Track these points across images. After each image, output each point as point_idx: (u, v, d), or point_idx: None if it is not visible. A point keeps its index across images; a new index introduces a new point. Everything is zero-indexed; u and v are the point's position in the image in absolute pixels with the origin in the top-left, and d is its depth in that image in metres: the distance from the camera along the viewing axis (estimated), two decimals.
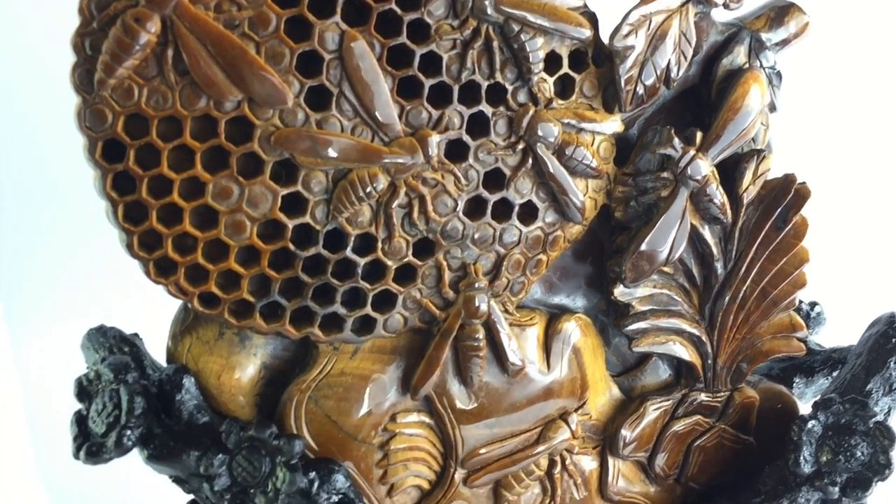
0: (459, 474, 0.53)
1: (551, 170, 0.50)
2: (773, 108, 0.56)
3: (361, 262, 0.48)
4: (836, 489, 0.55)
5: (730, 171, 0.55)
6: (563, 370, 0.54)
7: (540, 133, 0.49)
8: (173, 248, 0.45)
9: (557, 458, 0.55)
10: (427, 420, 0.52)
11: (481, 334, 0.51)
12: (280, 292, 0.47)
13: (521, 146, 0.49)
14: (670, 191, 0.52)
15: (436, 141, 0.47)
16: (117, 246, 0.45)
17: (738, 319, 0.57)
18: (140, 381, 0.45)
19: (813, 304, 0.68)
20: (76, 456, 0.44)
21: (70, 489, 0.88)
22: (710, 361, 0.57)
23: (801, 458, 0.54)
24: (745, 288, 0.57)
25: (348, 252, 0.47)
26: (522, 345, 0.53)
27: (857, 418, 0.55)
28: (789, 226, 0.56)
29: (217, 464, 0.45)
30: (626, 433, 0.56)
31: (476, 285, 0.50)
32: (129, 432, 0.44)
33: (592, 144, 0.51)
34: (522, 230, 0.51)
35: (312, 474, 0.47)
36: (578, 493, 0.56)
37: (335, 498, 0.47)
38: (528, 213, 0.51)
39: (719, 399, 0.58)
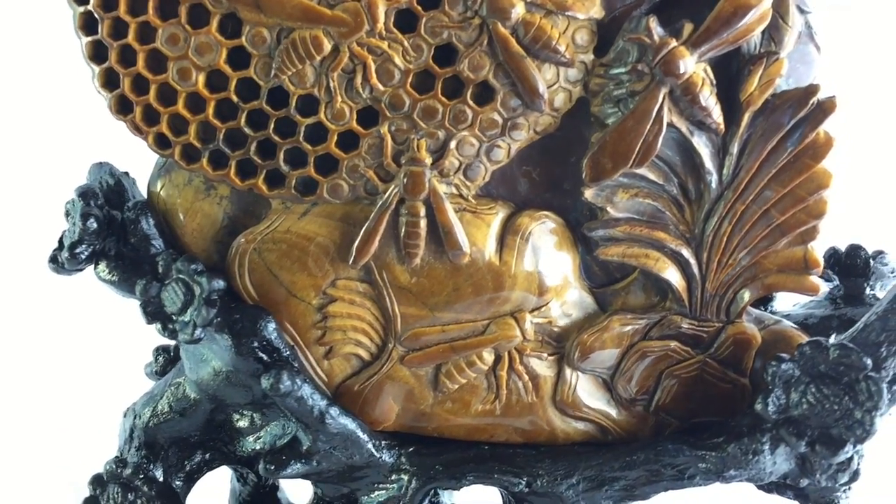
0: (398, 351, 0.54)
1: (508, 52, 0.49)
2: (804, 7, 0.50)
3: (304, 122, 0.50)
4: (803, 443, 0.49)
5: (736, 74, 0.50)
6: (516, 265, 0.53)
7: (497, 10, 0.48)
8: (130, 87, 0.50)
9: (505, 356, 0.54)
10: (369, 291, 0.54)
11: (421, 212, 0.51)
12: (225, 142, 0.50)
13: (476, 21, 0.49)
14: (644, 85, 0.49)
15: (383, 9, 0.48)
16: None
17: (733, 243, 0.52)
18: (100, 206, 0.51)
19: (878, 253, 0.59)
20: (48, 262, 0.52)
21: None
22: (696, 285, 0.53)
23: (769, 400, 0.49)
24: (743, 209, 0.52)
25: (290, 111, 0.50)
26: (474, 232, 0.52)
27: (845, 368, 0.48)
28: (804, 143, 0.50)
29: (151, 290, 0.51)
30: (585, 342, 0.54)
31: (417, 161, 0.50)
32: (81, 247, 0.51)
33: (567, 30, 0.49)
34: (476, 111, 0.50)
35: (238, 315, 0.51)
36: (527, 396, 0.55)
37: (256, 343, 0.51)
38: (484, 94, 0.50)
39: (706, 329, 0.54)
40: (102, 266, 0.52)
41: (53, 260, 0.52)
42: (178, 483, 0.59)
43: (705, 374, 0.55)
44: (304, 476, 0.55)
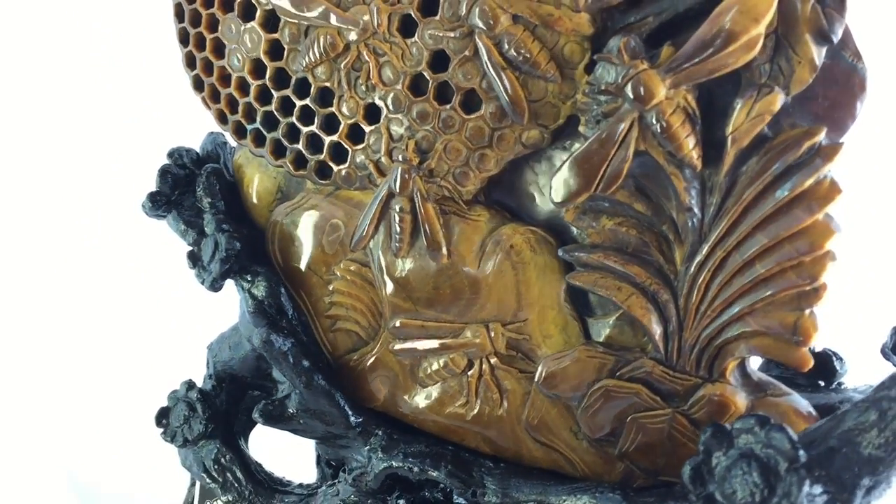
0: (387, 336, 0.57)
1: (490, 62, 0.49)
2: (825, 35, 0.43)
3: (320, 112, 0.55)
4: None
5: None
6: (493, 275, 0.53)
7: (482, 20, 0.48)
8: (202, 68, 0.59)
9: (476, 364, 0.54)
10: (369, 276, 0.57)
11: (407, 208, 0.53)
12: (263, 123, 0.57)
13: (465, 30, 0.49)
14: (614, 108, 0.46)
15: (387, 14, 0.51)
16: None
17: (712, 292, 0.47)
18: (181, 165, 0.62)
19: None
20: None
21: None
22: (673, 332, 0.49)
23: (691, 469, 0.44)
24: (724, 256, 0.47)
25: (308, 100, 0.55)
26: (458, 236, 0.53)
27: (774, 453, 0.41)
28: (796, 192, 0.43)
29: (195, 241, 0.60)
30: (546, 366, 0.52)
31: (405, 159, 0.52)
32: (158, 198, 0.61)
33: (555, 45, 0.48)
34: (463, 118, 0.51)
35: (255, 277, 0.59)
36: (496, 409, 0.55)
37: (266, 303, 0.58)
38: (472, 102, 0.51)
39: (681, 381, 0.49)
40: (171, 216, 0.62)
41: (144, 205, 0.64)
42: (236, 415, 0.68)
43: (674, 431, 0.50)
44: (293, 433, 0.61)
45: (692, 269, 0.48)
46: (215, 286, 0.59)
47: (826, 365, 0.55)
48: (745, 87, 0.45)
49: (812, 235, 0.44)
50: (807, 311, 0.46)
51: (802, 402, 0.49)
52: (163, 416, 0.68)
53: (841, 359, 0.56)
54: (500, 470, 0.55)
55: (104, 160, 0.99)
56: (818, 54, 0.44)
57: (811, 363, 0.46)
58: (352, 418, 0.59)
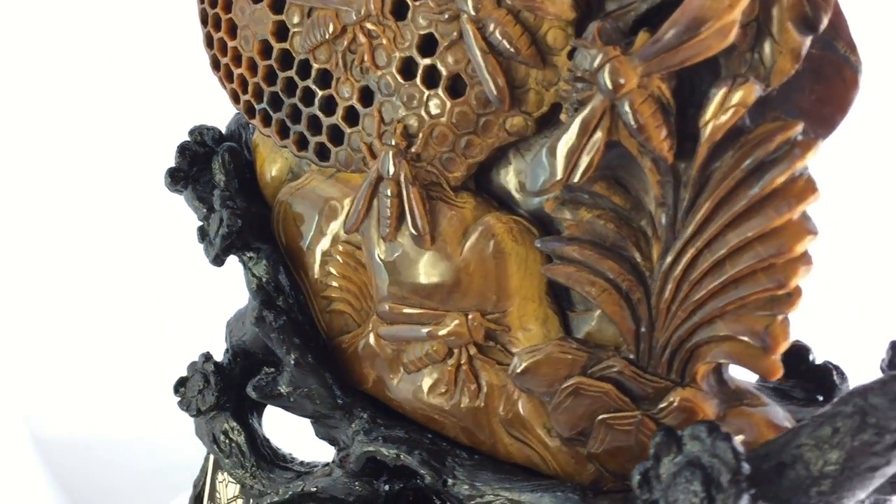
0: (376, 320, 0.57)
1: (473, 46, 0.48)
2: (809, 24, 0.40)
3: (319, 93, 0.56)
4: None
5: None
6: (474, 263, 0.52)
7: (464, 3, 0.48)
8: (218, 48, 0.60)
9: (456, 353, 0.54)
10: (362, 258, 0.57)
11: (393, 192, 0.53)
12: (269, 103, 0.58)
13: (451, 13, 0.49)
14: (588, 96, 0.44)
15: None
16: None
17: (682, 292, 0.45)
18: (200, 143, 0.64)
19: None
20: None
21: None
22: (645, 332, 0.47)
23: (639, 474, 0.42)
24: (695, 254, 0.45)
25: (310, 82, 0.55)
26: (443, 223, 0.53)
27: (718, 462, 0.39)
28: (767, 189, 0.41)
29: (204, 215, 0.61)
30: (519, 359, 0.50)
31: (392, 142, 0.52)
32: (177, 174, 0.63)
33: (539, 30, 0.47)
34: (448, 103, 0.50)
35: (256, 255, 0.60)
36: (474, 400, 0.54)
37: (265, 280, 0.59)
38: (458, 87, 0.50)
39: (652, 383, 0.47)
40: (187, 191, 0.64)
41: (164, 179, 0.66)
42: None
43: (641, 434, 0.48)
44: (285, 409, 0.62)
45: (665, 266, 0.46)
46: (217, 261, 0.61)
47: (825, 379, 0.52)
48: (721, 78, 0.43)
49: (784, 237, 0.42)
50: (779, 317, 0.43)
51: (779, 415, 0.46)
52: (180, 385, 0.71)
53: (842, 373, 0.52)
54: (473, 461, 0.54)
55: (142, 134, 1.03)
56: (802, 44, 0.41)
57: (780, 373, 0.43)
58: (339, 399, 0.59)
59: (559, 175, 0.46)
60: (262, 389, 0.61)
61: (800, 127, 0.41)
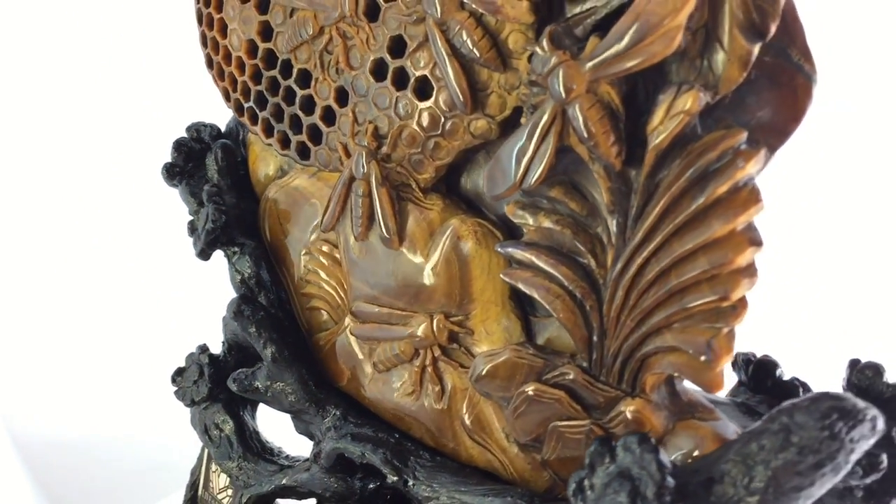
0: (350, 318, 0.57)
1: (437, 48, 0.48)
2: (756, 30, 0.39)
3: (299, 93, 0.56)
4: None
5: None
6: (439, 265, 0.52)
7: (431, 4, 0.48)
8: (212, 47, 0.62)
9: (421, 354, 0.54)
10: (338, 257, 0.58)
11: (364, 192, 0.54)
12: (255, 102, 0.59)
13: (419, 15, 0.49)
14: (542, 100, 0.44)
15: None
16: None
17: (630, 301, 0.44)
18: (196, 140, 0.65)
19: None
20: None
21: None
22: (597, 340, 0.46)
23: (573, 483, 0.41)
24: (642, 263, 0.44)
25: (291, 81, 0.56)
26: (411, 223, 0.53)
27: (643, 474, 0.38)
28: (710, 199, 0.40)
29: (195, 205, 0.63)
30: (478, 363, 0.50)
31: (361, 142, 0.53)
32: (172, 169, 0.65)
33: (501, 33, 0.47)
34: (417, 105, 0.51)
35: (240, 250, 0.61)
36: (438, 402, 0.54)
37: (248, 276, 0.60)
38: (424, 89, 0.50)
39: (603, 392, 0.46)
40: (181, 186, 0.66)
41: (161, 173, 0.68)
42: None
43: (591, 443, 0.47)
44: (264, 403, 0.63)
45: (615, 274, 0.45)
46: (203, 255, 0.63)
47: (792, 395, 0.50)
48: (668, 84, 0.42)
49: (727, 248, 0.41)
50: (723, 330, 0.42)
51: (729, 429, 0.45)
52: (178, 375, 0.73)
53: (809, 390, 0.51)
54: (434, 463, 0.55)
55: (144, 130, 1.04)
56: (749, 51, 0.40)
57: (722, 387, 0.42)
58: (313, 395, 0.60)
59: (512, 179, 0.47)
60: (241, 382, 0.63)
61: (743, 136, 0.40)
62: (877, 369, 0.46)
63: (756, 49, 0.40)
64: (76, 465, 0.92)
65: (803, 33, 0.42)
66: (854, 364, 0.47)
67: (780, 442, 0.37)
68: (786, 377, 0.52)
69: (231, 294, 0.73)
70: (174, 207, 0.66)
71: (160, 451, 0.82)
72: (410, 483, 0.54)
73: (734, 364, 0.54)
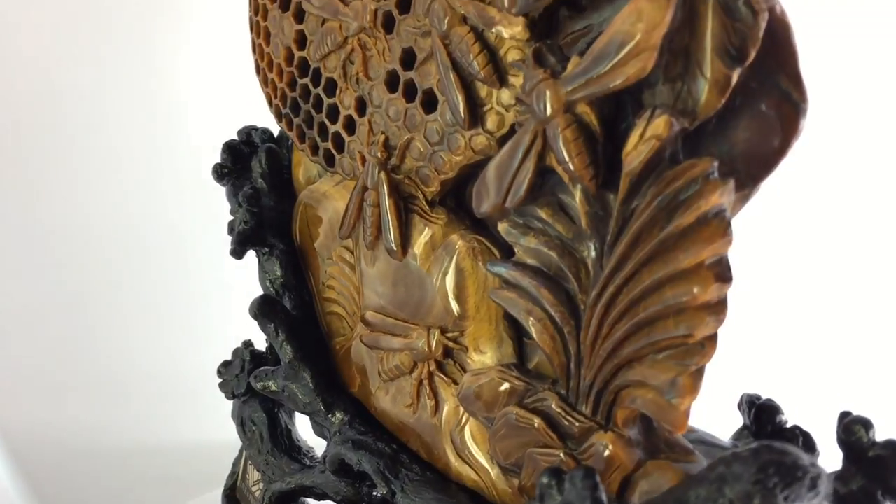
0: (361, 326, 0.57)
1: (439, 62, 0.48)
2: (734, 56, 0.37)
3: (326, 101, 0.57)
4: None
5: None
6: (438, 280, 0.51)
7: (435, 18, 0.48)
8: (259, 53, 0.63)
9: (419, 367, 0.53)
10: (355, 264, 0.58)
11: (375, 201, 0.54)
12: (290, 108, 0.61)
13: (424, 28, 0.49)
14: (526, 119, 0.43)
15: (372, 8, 0.52)
16: None
17: (603, 330, 0.42)
18: (246, 143, 0.67)
19: None
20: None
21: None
22: (573, 367, 0.44)
23: None
24: (614, 291, 0.42)
25: (319, 90, 0.57)
26: (415, 236, 0.53)
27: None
28: (677, 227, 0.38)
29: (236, 207, 0.65)
30: (465, 381, 0.49)
31: (372, 153, 0.53)
32: (221, 170, 0.67)
33: (500, 48, 0.46)
34: (423, 118, 0.50)
35: (268, 251, 0.62)
36: (432, 417, 0.53)
37: (271, 277, 0.61)
38: (430, 102, 0.50)
39: (577, 421, 0.44)
40: (228, 186, 0.68)
41: (212, 174, 0.71)
42: None
43: None
44: (280, 401, 0.64)
45: (590, 301, 0.44)
46: (235, 254, 0.65)
47: (791, 442, 0.47)
48: (644, 108, 0.40)
49: (692, 282, 0.38)
50: (691, 368, 0.40)
51: (697, 469, 0.42)
52: (223, 367, 0.75)
53: (809, 441, 0.47)
54: (421, 478, 0.54)
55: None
56: (728, 76, 0.38)
57: (684, 428, 0.40)
58: (322, 398, 0.61)
59: (495, 198, 0.46)
60: (261, 380, 0.64)
61: (711, 165, 0.38)
62: (865, 424, 0.43)
63: (735, 74, 0.38)
64: (67, 465, 0.92)
65: (795, 59, 0.39)
66: (843, 417, 0.44)
67: (713, 493, 0.35)
68: (788, 423, 0.48)
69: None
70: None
71: (152, 450, 0.83)
72: (398, 496, 0.54)
73: (739, 405, 0.51)
